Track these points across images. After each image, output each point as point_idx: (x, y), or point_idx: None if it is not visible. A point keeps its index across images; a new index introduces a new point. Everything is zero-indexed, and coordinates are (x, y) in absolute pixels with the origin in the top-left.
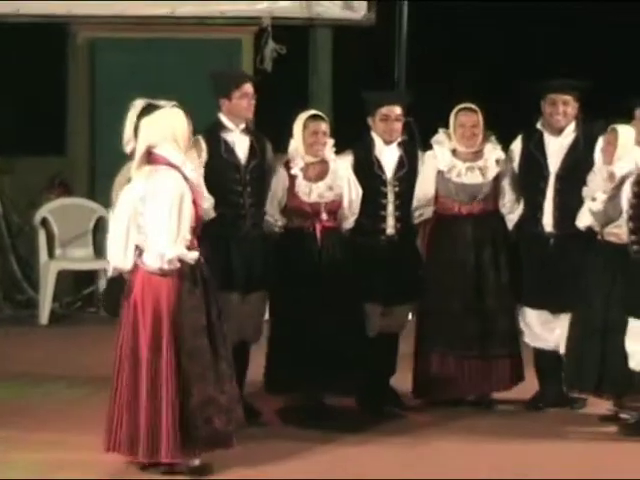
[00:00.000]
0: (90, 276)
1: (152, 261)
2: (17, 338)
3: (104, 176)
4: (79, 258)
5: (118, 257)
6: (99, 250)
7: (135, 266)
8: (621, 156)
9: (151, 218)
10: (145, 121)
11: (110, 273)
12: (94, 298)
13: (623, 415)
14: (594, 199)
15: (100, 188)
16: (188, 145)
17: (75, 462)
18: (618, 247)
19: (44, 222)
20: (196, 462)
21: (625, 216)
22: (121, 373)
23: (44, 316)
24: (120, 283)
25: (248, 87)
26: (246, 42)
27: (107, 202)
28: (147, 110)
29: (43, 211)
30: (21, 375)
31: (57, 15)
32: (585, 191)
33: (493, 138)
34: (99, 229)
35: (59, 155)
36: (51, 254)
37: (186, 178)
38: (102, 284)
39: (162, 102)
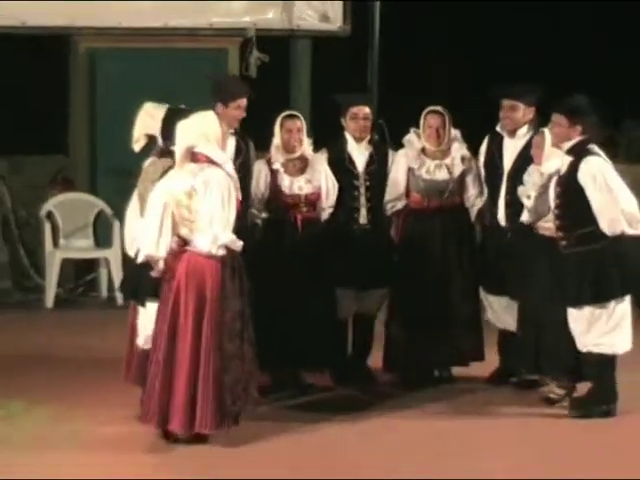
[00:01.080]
0: (91, 264)
1: (204, 245)
2: (26, 321)
3: (103, 173)
4: (81, 248)
5: (151, 245)
6: (99, 240)
7: (177, 253)
8: (549, 157)
9: (204, 208)
10: (182, 123)
11: (140, 259)
12: (95, 284)
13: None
14: (529, 197)
15: (100, 184)
16: (223, 145)
17: (83, 432)
18: (551, 239)
19: (49, 215)
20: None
21: (552, 215)
22: (159, 350)
23: (49, 300)
24: (148, 269)
25: (244, 101)
26: (232, 51)
27: (107, 196)
28: (172, 114)
29: (48, 205)
30: (30, 355)
31: (60, 27)
32: (520, 190)
33: (459, 136)
34: (99, 221)
35: (62, 154)
36: (56, 244)
37: (229, 175)
38: (103, 272)
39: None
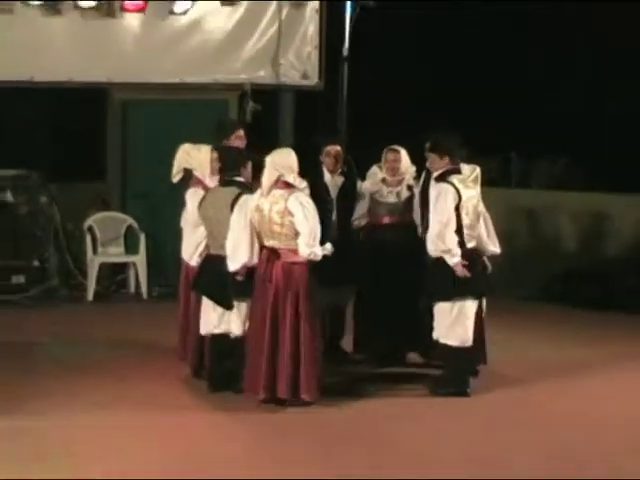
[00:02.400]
0: (122, 267)
1: (306, 253)
2: (71, 311)
3: (132, 196)
4: (114, 254)
5: (247, 256)
6: (128, 249)
7: (268, 260)
8: None
9: (307, 224)
10: (271, 159)
11: (235, 268)
12: (125, 282)
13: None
14: None
15: (129, 204)
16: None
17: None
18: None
19: (90, 229)
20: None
21: None
22: (263, 335)
23: (90, 295)
24: (236, 275)
25: (242, 131)
26: (232, 101)
27: (135, 214)
28: (228, 151)
29: (89, 221)
30: (76, 338)
31: (100, 82)
32: None
33: (412, 170)
34: (129, 234)
35: (101, 181)
36: (95, 251)
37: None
38: (131, 273)
39: (203, 146)
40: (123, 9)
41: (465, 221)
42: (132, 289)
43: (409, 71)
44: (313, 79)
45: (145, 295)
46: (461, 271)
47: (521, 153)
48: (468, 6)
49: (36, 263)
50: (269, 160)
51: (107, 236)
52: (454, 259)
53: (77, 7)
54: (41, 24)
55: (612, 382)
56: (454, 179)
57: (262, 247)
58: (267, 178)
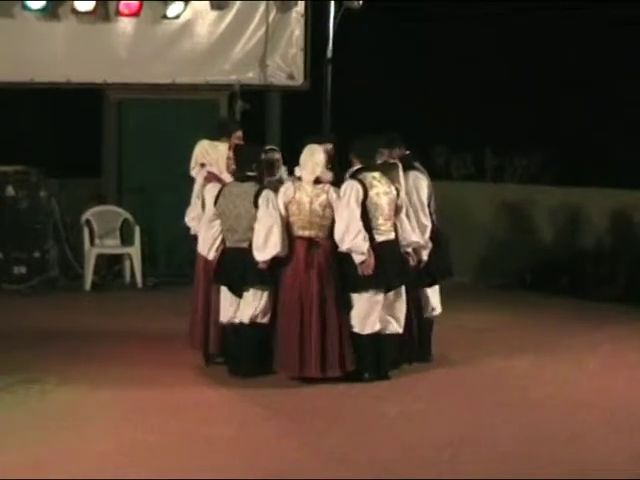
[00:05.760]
0: (117, 258)
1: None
2: (70, 300)
3: (127, 191)
4: (110, 246)
5: (280, 246)
6: (124, 241)
7: (308, 248)
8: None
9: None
10: (309, 155)
11: (265, 257)
12: (120, 273)
13: None
14: None
15: (125, 199)
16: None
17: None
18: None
19: (87, 222)
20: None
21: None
22: (309, 319)
23: (87, 285)
24: (259, 265)
25: (241, 133)
26: (222, 101)
27: (130, 208)
28: (243, 149)
29: (87, 215)
30: (74, 324)
31: (96, 82)
32: None
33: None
34: (124, 226)
35: (98, 177)
36: (92, 243)
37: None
38: (126, 264)
39: (220, 144)
40: (118, 13)
41: (374, 215)
42: (127, 279)
43: (391, 71)
44: (299, 80)
45: (140, 284)
46: (363, 269)
47: (496, 149)
48: (446, 6)
49: (37, 254)
50: (307, 157)
51: (104, 229)
52: (358, 257)
53: (74, 11)
54: (40, 28)
55: (583, 366)
56: (366, 176)
57: (290, 238)
58: (309, 173)
